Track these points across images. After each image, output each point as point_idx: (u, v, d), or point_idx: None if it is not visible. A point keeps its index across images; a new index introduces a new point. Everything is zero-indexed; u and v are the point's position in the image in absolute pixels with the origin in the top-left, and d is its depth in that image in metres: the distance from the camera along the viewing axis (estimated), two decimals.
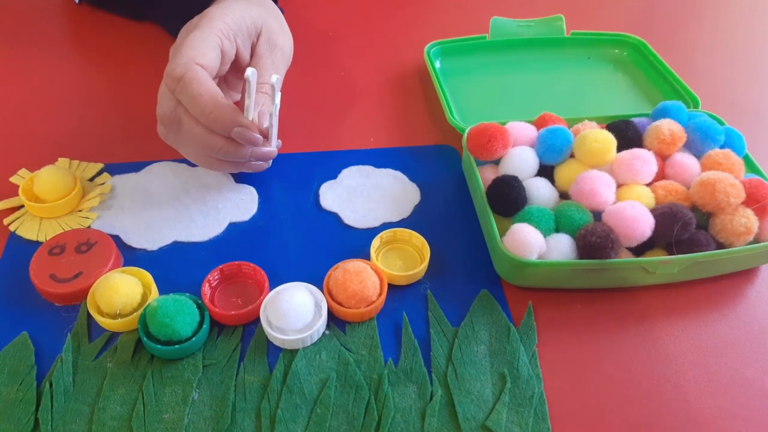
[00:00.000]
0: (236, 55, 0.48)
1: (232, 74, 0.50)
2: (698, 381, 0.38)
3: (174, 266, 0.44)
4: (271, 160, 0.49)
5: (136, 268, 0.42)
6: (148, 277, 0.41)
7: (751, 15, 0.77)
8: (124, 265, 0.43)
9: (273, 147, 0.47)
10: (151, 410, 0.36)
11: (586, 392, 0.37)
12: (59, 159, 0.51)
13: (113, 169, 0.51)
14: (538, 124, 0.50)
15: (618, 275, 0.41)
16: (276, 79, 0.42)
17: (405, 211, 0.48)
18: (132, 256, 0.44)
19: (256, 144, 0.44)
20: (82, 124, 0.56)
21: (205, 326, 0.39)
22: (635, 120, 0.49)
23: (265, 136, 0.46)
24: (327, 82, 0.62)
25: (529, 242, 0.40)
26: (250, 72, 0.41)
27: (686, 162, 0.45)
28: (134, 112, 0.57)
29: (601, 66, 0.65)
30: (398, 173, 0.52)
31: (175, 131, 0.45)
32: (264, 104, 0.45)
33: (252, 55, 0.49)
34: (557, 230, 0.42)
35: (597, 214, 0.43)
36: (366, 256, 0.43)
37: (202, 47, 0.44)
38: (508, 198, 0.43)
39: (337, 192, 0.50)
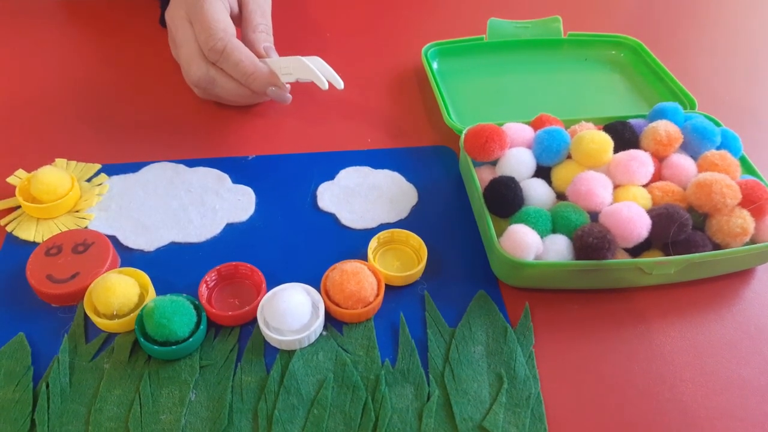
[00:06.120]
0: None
1: None
2: (695, 381, 0.38)
3: (171, 267, 0.44)
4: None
5: (133, 269, 0.42)
6: (145, 277, 0.41)
7: (748, 17, 0.77)
8: (121, 266, 0.43)
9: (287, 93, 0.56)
10: (148, 411, 0.36)
11: (582, 393, 0.38)
12: (56, 159, 0.51)
13: (111, 169, 0.51)
14: (535, 125, 0.50)
15: (615, 276, 0.42)
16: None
17: (402, 211, 0.48)
18: (129, 257, 0.44)
19: (285, 102, 0.56)
20: (80, 124, 0.56)
21: (202, 327, 0.39)
22: (632, 121, 0.49)
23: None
24: None
25: (526, 243, 0.40)
26: (308, 60, 0.52)
27: (683, 163, 0.45)
28: (132, 112, 0.57)
29: (598, 67, 0.65)
30: (396, 174, 0.52)
31: (211, 89, 0.53)
32: (264, 41, 0.54)
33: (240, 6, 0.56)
34: (554, 231, 0.42)
35: (594, 215, 0.43)
36: (363, 257, 0.43)
37: (223, 17, 0.51)
38: (505, 199, 0.43)
39: (334, 193, 0.50)
